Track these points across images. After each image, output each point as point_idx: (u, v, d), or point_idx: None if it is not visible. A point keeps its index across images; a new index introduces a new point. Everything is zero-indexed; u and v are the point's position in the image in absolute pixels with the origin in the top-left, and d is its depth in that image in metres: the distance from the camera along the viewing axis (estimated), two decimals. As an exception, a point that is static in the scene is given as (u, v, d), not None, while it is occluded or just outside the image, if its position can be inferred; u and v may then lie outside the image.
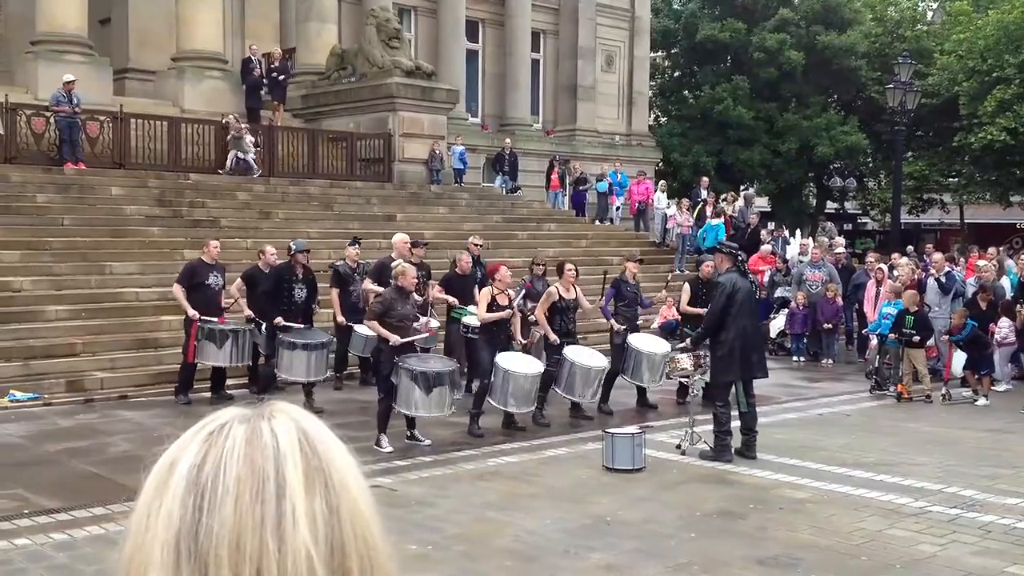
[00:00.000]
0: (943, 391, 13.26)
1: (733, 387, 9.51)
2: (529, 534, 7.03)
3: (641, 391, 12.21)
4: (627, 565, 6.40)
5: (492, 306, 10.65)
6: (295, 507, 0.83)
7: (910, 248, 23.35)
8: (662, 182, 27.43)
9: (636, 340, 11.83)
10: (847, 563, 6.44)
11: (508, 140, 26.43)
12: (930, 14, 40.29)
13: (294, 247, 11.77)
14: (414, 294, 10.32)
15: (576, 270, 11.69)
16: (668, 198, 25.59)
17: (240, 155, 19.43)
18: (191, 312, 11.49)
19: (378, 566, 0.88)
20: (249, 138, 19.62)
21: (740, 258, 10.14)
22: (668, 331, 13.78)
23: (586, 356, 11.15)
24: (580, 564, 6.43)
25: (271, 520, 0.82)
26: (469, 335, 11.97)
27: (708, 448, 9.45)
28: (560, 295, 11.23)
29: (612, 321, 12.05)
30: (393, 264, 10.83)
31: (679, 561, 6.47)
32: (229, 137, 19.44)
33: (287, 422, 0.88)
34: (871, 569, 6.32)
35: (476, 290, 12.24)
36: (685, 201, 23.45)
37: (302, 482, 0.84)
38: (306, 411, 0.92)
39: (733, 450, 9.39)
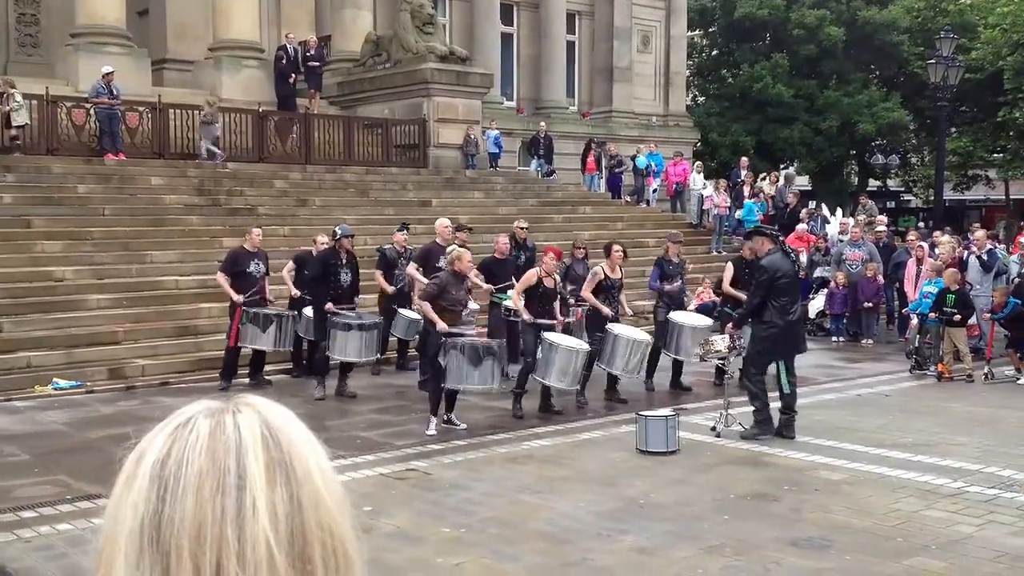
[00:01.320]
0: (986, 370, 13.06)
1: (773, 366, 9.47)
2: (562, 517, 7.05)
3: (676, 372, 12.18)
4: (659, 547, 6.40)
5: (539, 287, 10.67)
6: (255, 498, 0.85)
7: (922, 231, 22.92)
8: (698, 163, 27.19)
9: (678, 315, 11.92)
10: (882, 544, 6.39)
11: (543, 123, 26.33)
12: (974, -14, 39.41)
13: (339, 232, 11.87)
14: (468, 278, 10.41)
15: (624, 251, 11.72)
16: (705, 179, 25.39)
17: (208, 142, 19.00)
18: (236, 297, 11.70)
19: (343, 554, 0.89)
20: (217, 124, 19.22)
21: (780, 238, 10.09)
22: (704, 313, 13.73)
23: (629, 331, 11.21)
24: (612, 546, 6.44)
25: (231, 511, 0.84)
26: (511, 318, 12.04)
27: (747, 428, 9.40)
28: (606, 274, 11.28)
29: (666, 286, 12.07)
30: (449, 249, 10.93)
31: (712, 543, 6.45)
32: (202, 122, 19.07)
33: (251, 415, 0.90)
34: (906, 550, 6.26)
35: (514, 274, 12.30)
36: (722, 182, 23.26)
37: (263, 474, 0.86)
38: (276, 403, 0.94)
39: (772, 426, 9.36)
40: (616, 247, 11.56)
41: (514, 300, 10.94)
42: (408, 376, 12.68)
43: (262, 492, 0.85)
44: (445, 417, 10.00)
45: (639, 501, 7.41)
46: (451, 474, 8.23)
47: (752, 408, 9.54)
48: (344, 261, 11.69)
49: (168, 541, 0.84)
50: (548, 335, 10.43)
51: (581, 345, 10.59)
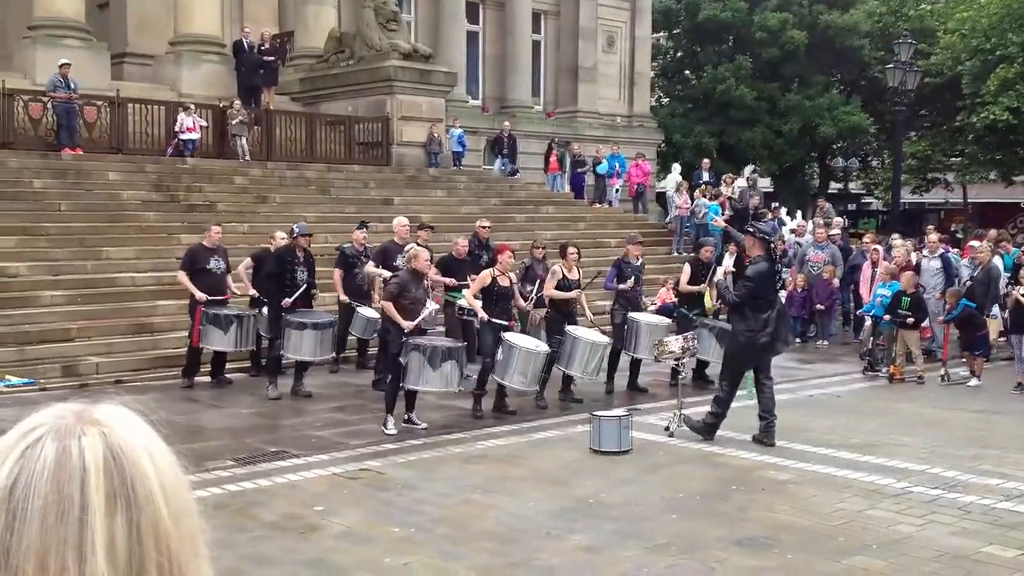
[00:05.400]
0: (942, 372, 13.26)
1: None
2: (512, 516, 7.09)
3: (634, 373, 12.26)
4: (606, 546, 6.46)
5: (493, 287, 10.70)
6: (95, 530, 0.92)
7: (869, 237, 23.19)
8: (676, 164, 27.16)
9: (637, 314, 12.00)
10: (824, 543, 6.49)
11: (507, 123, 26.35)
12: (934, -8, 39.93)
13: (296, 230, 11.84)
14: (426, 276, 10.45)
15: (579, 252, 11.76)
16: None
17: (242, 140, 19.51)
18: (199, 295, 11.61)
19: (180, 573, 0.96)
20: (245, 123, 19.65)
21: (772, 243, 10.12)
22: (665, 315, 13.84)
23: (589, 333, 11.27)
24: (559, 546, 6.49)
25: (73, 540, 0.91)
26: (465, 317, 12.06)
27: (698, 421, 9.47)
28: (564, 275, 11.33)
29: (620, 285, 12.11)
30: (406, 248, 10.96)
31: (658, 542, 6.52)
32: (236, 122, 19.37)
33: (96, 439, 0.95)
34: (847, 549, 6.36)
35: (471, 274, 12.30)
36: (684, 183, 23.43)
37: (103, 504, 0.93)
38: (125, 417, 0.99)
39: (715, 434, 9.44)
40: (571, 248, 11.63)
41: (469, 300, 10.95)
42: (367, 375, 12.66)
43: (101, 523, 0.92)
44: (406, 416, 9.99)
45: (589, 500, 7.47)
46: (404, 474, 8.24)
47: (712, 409, 9.57)
48: (301, 259, 11.66)
49: (15, 566, 0.91)
50: (508, 336, 10.46)
51: (540, 346, 10.65)
